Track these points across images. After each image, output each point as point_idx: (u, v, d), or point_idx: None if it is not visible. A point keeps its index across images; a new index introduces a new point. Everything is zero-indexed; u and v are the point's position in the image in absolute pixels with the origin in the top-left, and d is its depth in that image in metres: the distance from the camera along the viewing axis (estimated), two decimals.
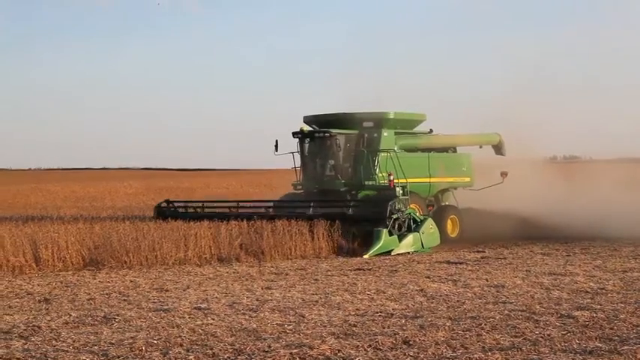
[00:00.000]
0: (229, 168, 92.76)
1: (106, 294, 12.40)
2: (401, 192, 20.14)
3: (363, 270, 15.22)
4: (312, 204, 21.08)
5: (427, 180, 23.01)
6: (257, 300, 11.56)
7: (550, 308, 10.50)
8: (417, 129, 24.00)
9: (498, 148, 26.28)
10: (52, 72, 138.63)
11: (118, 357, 8.10)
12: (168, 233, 17.17)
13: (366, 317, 10.05)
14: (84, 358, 8.07)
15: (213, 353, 8.21)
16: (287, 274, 14.74)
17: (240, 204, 21.78)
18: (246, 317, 10.14)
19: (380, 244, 18.35)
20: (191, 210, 22.00)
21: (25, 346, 8.58)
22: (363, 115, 22.42)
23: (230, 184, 57.54)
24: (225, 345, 8.52)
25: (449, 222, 22.64)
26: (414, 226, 19.37)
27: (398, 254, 18.23)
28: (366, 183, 21.63)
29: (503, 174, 23.83)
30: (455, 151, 25.04)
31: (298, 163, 22.45)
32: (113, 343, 8.65)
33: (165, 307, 10.97)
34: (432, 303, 11.09)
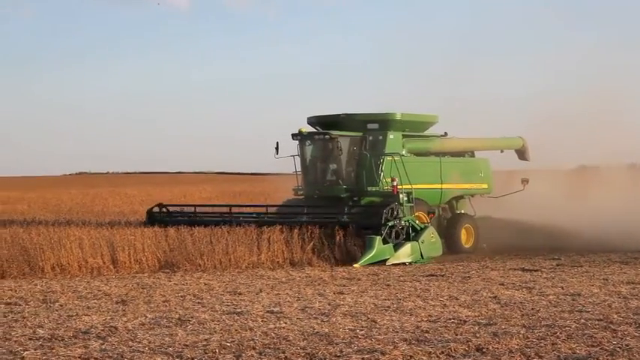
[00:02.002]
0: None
1: (181, 296, 12.57)
2: (405, 199, 18.91)
3: (436, 276, 15.11)
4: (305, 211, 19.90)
5: (438, 186, 21.53)
6: (329, 304, 11.58)
7: (628, 318, 10.26)
8: (429, 131, 22.50)
9: (522, 153, 24.54)
10: (128, 79, 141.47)
11: (192, 359, 8.21)
12: (241, 237, 17.33)
13: (438, 323, 9.97)
14: (159, 359, 8.20)
15: (286, 357, 8.25)
16: (359, 279, 14.73)
17: (233, 210, 20.55)
18: (318, 321, 10.17)
19: (372, 253, 17.33)
20: (185, 215, 20.84)
21: (103, 347, 8.76)
22: (368, 116, 21.14)
23: None
24: (297, 349, 8.56)
25: (463, 231, 21.39)
26: (413, 234, 18.29)
27: (394, 264, 17.31)
28: (369, 189, 20.25)
29: (524, 181, 22.52)
30: (473, 156, 23.42)
31: (299, 167, 21.18)
32: (187, 345, 8.77)
33: (239, 310, 11.08)
34: (506, 310, 10.95)
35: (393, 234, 17.93)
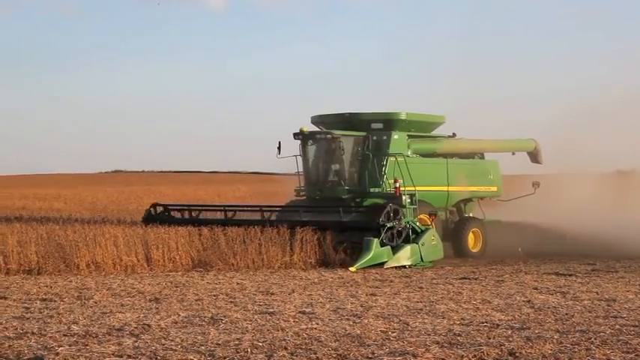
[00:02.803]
0: None
1: (214, 295, 12.63)
2: (408, 200, 18.47)
3: (469, 279, 15.03)
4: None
5: (445, 188, 21.05)
6: (361, 306, 11.56)
7: None
8: (437, 132, 22.05)
9: (534, 156, 24.01)
10: (163, 78, 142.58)
11: (224, 358, 8.24)
12: (274, 237, 17.37)
13: (471, 327, 9.92)
14: (191, 357, 8.24)
15: (317, 358, 8.25)
16: (391, 281, 14.71)
17: (234, 209, 20.42)
18: (350, 323, 10.16)
19: (370, 255, 16.91)
20: (184, 215, 20.44)
21: (136, 344, 8.82)
22: (372, 115, 20.67)
23: None
24: (329, 350, 8.56)
25: (470, 235, 20.97)
26: (413, 236, 17.85)
27: (392, 267, 16.97)
28: (371, 190, 19.74)
29: (535, 184, 22.13)
30: (483, 158, 22.91)
31: (302, 168, 20.67)
32: (219, 344, 8.81)
33: (271, 310, 11.10)
34: (540, 315, 10.86)
35: (395, 236, 17.49)
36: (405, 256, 17.50)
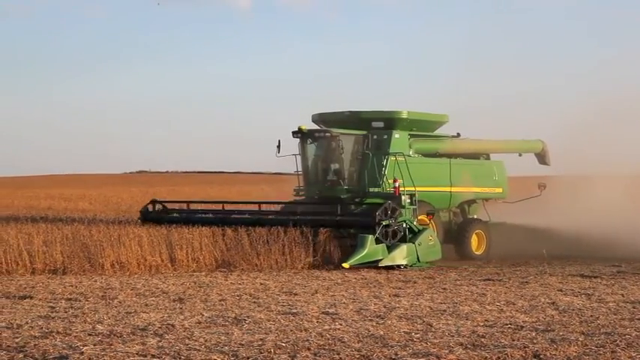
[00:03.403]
0: None
1: (237, 295, 12.67)
2: (408, 201, 18.09)
3: (493, 280, 14.97)
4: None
5: (447, 189, 20.62)
6: (384, 307, 11.55)
7: None
8: (441, 132, 21.58)
9: (542, 157, 23.51)
10: (186, 79, 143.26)
11: (248, 358, 8.26)
12: (297, 237, 17.38)
13: (495, 329, 9.88)
14: (215, 357, 8.27)
15: (340, 358, 8.25)
16: (415, 282, 14.68)
17: (226, 207, 20.24)
18: (374, 324, 10.15)
19: (363, 252, 16.69)
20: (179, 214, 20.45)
21: (160, 344, 8.86)
22: (373, 113, 20.24)
23: None
24: (352, 351, 8.55)
25: (474, 237, 20.47)
26: (410, 236, 17.54)
27: (387, 266, 16.76)
28: (371, 190, 19.25)
29: (541, 186, 21.73)
30: (488, 158, 22.44)
31: (301, 167, 20.22)
32: (243, 344, 8.83)
33: (294, 311, 11.12)
34: (564, 317, 10.79)
35: (390, 234, 17.21)
36: (401, 255, 17.23)
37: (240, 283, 14.27)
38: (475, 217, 21.45)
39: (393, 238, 17.34)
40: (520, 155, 23.31)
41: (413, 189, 18.53)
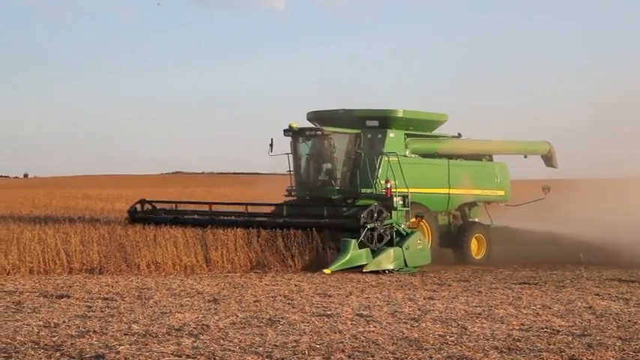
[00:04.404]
0: None
1: (272, 297, 12.69)
2: (400, 202, 17.48)
3: (529, 284, 14.85)
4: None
5: (445, 191, 19.94)
6: (419, 309, 11.51)
7: None
8: (442, 132, 20.96)
9: (548, 159, 22.76)
10: (222, 80, 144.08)
11: (282, 359, 8.27)
12: (332, 239, 17.34)
13: (530, 332, 9.80)
14: (249, 358, 8.29)
15: None
16: (450, 285, 14.61)
17: (213, 208, 19.93)
18: (408, 326, 10.11)
19: (346, 258, 16.14)
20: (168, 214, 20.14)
21: (195, 344, 8.91)
22: (367, 112, 19.59)
23: None
24: (386, 353, 8.53)
25: (473, 241, 19.91)
26: (397, 239, 16.99)
27: (372, 271, 16.25)
28: (363, 191, 18.55)
29: (545, 189, 21.07)
30: (491, 160, 21.74)
31: (293, 166, 19.58)
32: (277, 346, 8.85)
33: (328, 313, 11.11)
34: (601, 321, 10.67)
35: (375, 238, 16.74)
36: (387, 259, 16.67)
37: (274, 285, 14.30)
38: (477, 220, 20.86)
39: (379, 242, 16.83)
40: (525, 157, 22.61)
41: (406, 190, 17.96)
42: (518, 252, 19.70)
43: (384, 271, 16.53)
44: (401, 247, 16.93)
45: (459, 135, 21.39)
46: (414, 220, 18.21)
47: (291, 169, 19.55)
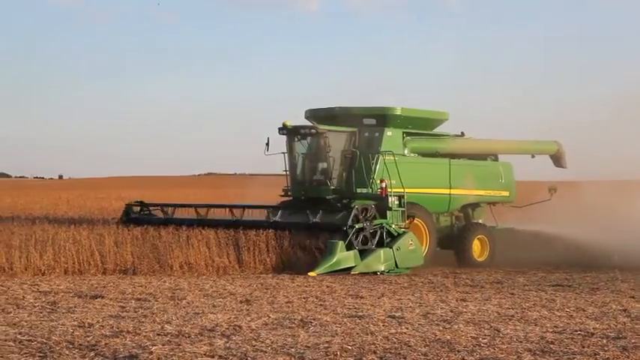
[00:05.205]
0: None
1: (304, 298, 12.71)
2: (396, 203, 17.16)
3: (562, 286, 14.73)
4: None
5: (446, 191, 19.45)
6: (451, 311, 11.46)
7: None
8: (439, 130, 20.46)
9: (557, 159, 22.18)
10: (252, 85, 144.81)
11: None
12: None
13: (564, 335, 9.72)
14: (281, 359, 8.31)
15: None
16: (482, 287, 14.53)
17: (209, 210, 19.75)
18: (440, 328, 10.08)
19: (332, 260, 15.85)
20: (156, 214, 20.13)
21: (227, 345, 8.94)
22: (365, 110, 19.15)
23: None
24: (418, 355, 8.51)
25: (476, 242, 19.39)
26: (387, 240, 16.67)
27: (362, 273, 15.99)
28: (359, 191, 18.07)
29: (552, 190, 20.57)
30: (496, 159, 21.21)
31: (288, 166, 19.17)
32: (309, 347, 8.86)
33: (360, 314, 11.10)
34: (637, 324, 10.55)
35: (366, 238, 16.49)
36: (377, 261, 16.36)
37: (306, 286, 14.31)
38: (480, 221, 20.36)
39: (364, 244, 16.53)
40: (533, 157, 22.09)
41: (402, 190, 17.67)
42: (523, 254, 19.31)
43: (374, 272, 16.27)
44: (391, 247, 16.62)
45: (462, 134, 20.97)
46: (407, 220, 17.93)
47: (287, 169, 19.18)
